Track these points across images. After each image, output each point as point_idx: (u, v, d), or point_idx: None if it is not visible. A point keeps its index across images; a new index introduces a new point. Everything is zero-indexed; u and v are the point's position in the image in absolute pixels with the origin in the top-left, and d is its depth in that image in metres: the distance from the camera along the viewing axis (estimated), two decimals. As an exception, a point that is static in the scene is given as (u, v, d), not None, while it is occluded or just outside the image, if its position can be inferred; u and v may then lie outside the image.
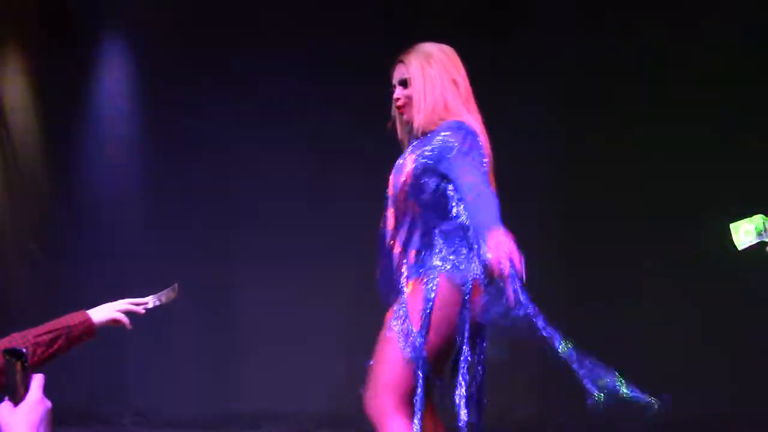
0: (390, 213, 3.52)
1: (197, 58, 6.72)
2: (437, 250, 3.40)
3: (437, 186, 3.42)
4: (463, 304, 3.35)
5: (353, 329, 6.25)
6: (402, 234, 3.46)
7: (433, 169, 3.41)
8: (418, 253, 3.42)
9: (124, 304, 3.20)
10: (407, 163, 3.46)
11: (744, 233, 3.02)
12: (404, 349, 3.32)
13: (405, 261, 3.44)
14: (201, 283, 6.31)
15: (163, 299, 3.22)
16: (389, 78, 3.61)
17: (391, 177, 3.55)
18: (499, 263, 3.02)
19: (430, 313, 3.33)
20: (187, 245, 6.68)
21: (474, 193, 3.27)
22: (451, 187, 3.40)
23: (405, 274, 3.43)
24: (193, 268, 6.45)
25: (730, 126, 6.01)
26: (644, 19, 6.16)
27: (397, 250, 3.48)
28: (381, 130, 3.69)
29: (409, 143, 3.58)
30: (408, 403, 3.34)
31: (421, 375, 3.32)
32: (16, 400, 1.98)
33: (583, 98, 6.24)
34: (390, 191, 3.54)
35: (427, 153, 3.42)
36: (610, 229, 6.16)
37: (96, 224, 6.90)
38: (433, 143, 3.42)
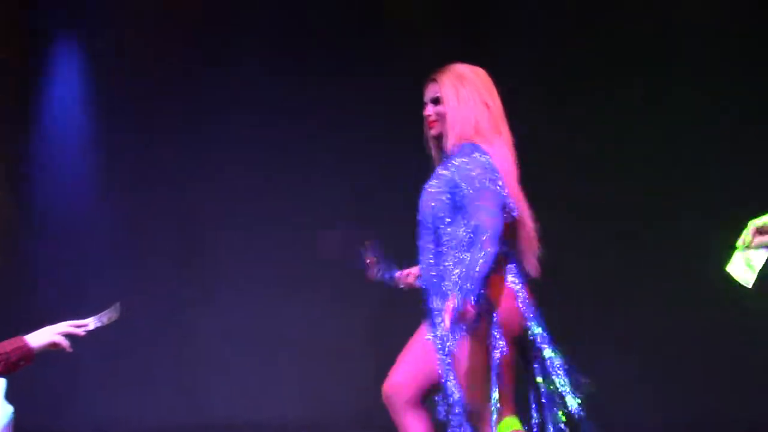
0: (423, 237, 3.63)
1: (151, 61, 6.69)
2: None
3: (457, 211, 3.52)
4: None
5: (323, 336, 6.16)
6: (434, 255, 3.57)
7: (451, 198, 3.53)
8: (450, 270, 3.52)
9: (65, 326, 3.19)
10: (433, 185, 3.59)
11: (744, 266, 2.93)
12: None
13: (439, 281, 3.55)
14: (156, 291, 6.33)
15: (105, 320, 3.23)
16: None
17: (420, 200, 3.65)
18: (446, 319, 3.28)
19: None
20: (144, 252, 6.65)
21: (480, 239, 3.36)
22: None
23: (444, 293, 3.51)
24: (150, 275, 6.46)
25: (718, 128, 6.05)
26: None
27: (430, 270, 3.59)
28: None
29: (440, 161, 3.69)
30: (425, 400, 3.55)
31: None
32: None
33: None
34: (420, 215, 3.64)
35: (448, 176, 3.53)
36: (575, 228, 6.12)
37: (48, 230, 6.82)
38: (450, 169, 3.52)
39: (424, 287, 3.65)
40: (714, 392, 5.93)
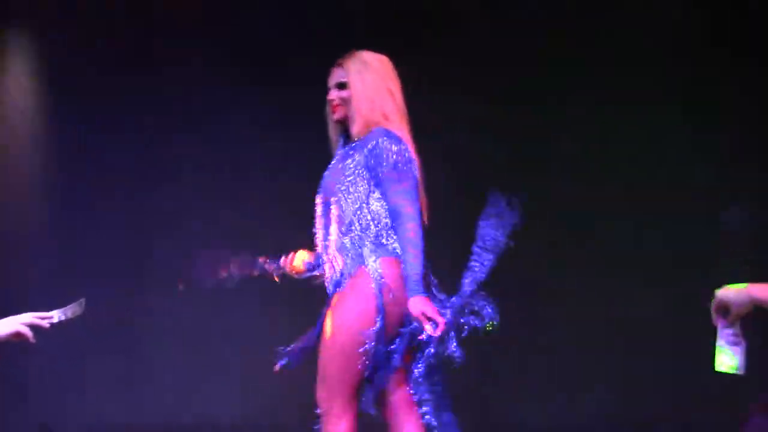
0: (319, 214, 3.68)
1: (105, 54, 6.62)
2: (368, 247, 3.52)
3: (368, 190, 3.56)
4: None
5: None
6: (334, 233, 3.60)
7: (365, 175, 3.57)
8: (348, 251, 3.55)
9: (29, 317, 3.17)
10: (342, 167, 3.61)
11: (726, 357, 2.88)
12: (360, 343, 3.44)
13: (337, 261, 3.57)
14: (108, 292, 6.21)
15: (69, 314, 3.22)
16: (325, 81, 3.71)
17: (323, 179, 3.69)
18: (427, 327, 3.34)
19: (381, 300, 3.46)
20: (94, 251, 6.56)
21: (406, 228, 3.45)
22: (378, 194, 3.56)
23: (338, 272, 3.56)
24: (101, 275, 6.37)
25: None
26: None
27: (328, 249, 3.62)
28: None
29: (340, 145, 3.73)
30: (357, 398, 3.52)
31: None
32: None
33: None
34: (321, 193, 3.68)
35: (360, 158, 3.57)
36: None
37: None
38: (368, 148, 3.55)
39: (321, 266, 3.67)
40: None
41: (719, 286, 2.59)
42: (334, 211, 3.61)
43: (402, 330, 3.48)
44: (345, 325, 3.47)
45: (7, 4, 6.71)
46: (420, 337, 3.42)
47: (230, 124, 6.51)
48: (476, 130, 6.19)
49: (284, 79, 6.33)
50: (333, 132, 3.77)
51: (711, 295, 2.57)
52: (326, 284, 3.64)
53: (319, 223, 3.69)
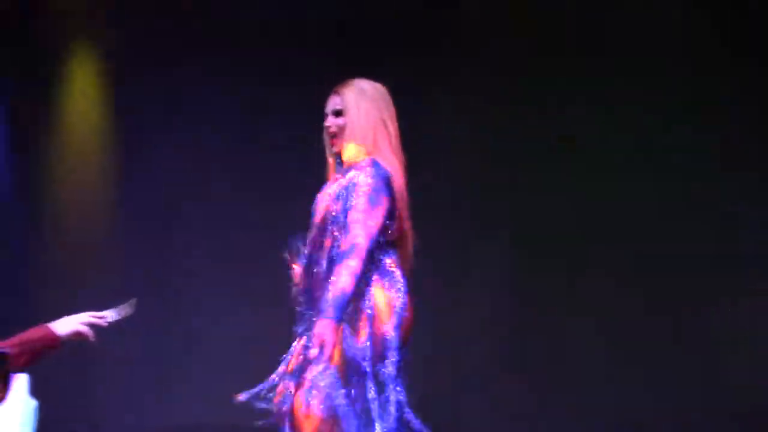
0: (311, 238, 3.66)
1: (164, 71, 6.73)
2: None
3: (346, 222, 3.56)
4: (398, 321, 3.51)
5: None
6: (318, 261, 3.59)
7: (344, 205, 3.56)
8: (327, 281, 3.50)
9: (87, 316, 3.22)
10: (330, 193, 3.63)
11: None
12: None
13: (314, 289, 3.56)
14: (160, 296, 6.33)
15: (122, 314, 3.28)
16: (322, 107, 3.73)
17: (316, 203, 3.71)
18: (313, 350, 3.31)
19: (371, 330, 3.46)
20: (149, 258, 6.68)
21: (350, 260, 3.41)
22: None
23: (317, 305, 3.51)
24: (153, 281, 6.48)
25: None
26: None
27: (315, 277, 3.59)
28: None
29: (337, 169, 3.74)
30: None
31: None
32: None
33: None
34: (315, 217, 3.68)
35: (342, 188, 3.58)
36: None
37: (58, 235, 6.98)
38: (348, 178, 3.58)
39: (302, 293, 3.65)
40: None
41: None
42: (321, 236, 3.60)
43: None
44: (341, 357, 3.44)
45: (72, 16, 6.95)
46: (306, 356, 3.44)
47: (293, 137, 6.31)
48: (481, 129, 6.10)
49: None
50: (330, 155, 3.78)
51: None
52: (301, 300, 3.64)
53: (309, 244, 3.66)
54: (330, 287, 3.39)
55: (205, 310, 6.59)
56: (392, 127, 3.70)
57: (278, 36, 6.50)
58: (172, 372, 6.63)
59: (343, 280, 3.39)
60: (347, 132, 3.66)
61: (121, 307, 3.29)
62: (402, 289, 3.55)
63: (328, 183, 3.73)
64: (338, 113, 3.70)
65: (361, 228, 3.46)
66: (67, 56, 7.05)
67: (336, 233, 3.54)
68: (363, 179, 3.54)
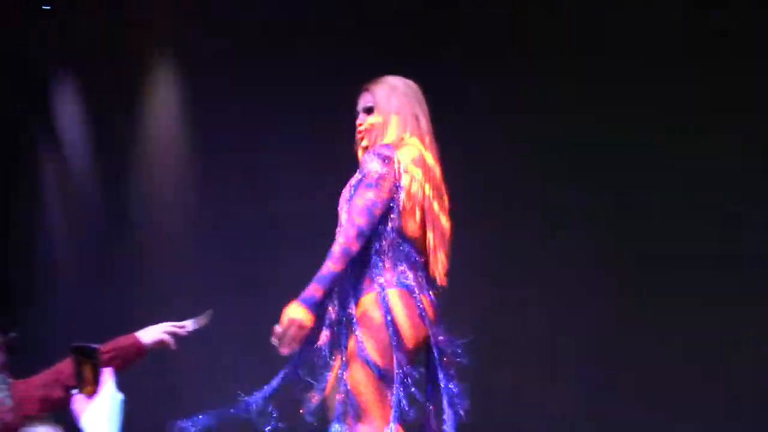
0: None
1: (244, 78, 6.81)
2: (376, 269, 3.47)
3: None
4: (420, 314, 3.44)
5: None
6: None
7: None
8: (357, 272, 3.48)
9: (169, 326, 3.41)
10: (348, 187, 3.59)
11: None
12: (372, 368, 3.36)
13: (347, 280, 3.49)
14: (243, 302, 6.37)
15: (199, 323, 3.43)
16: (354, 105, 3.71)
17: (341, 196, 3.65)
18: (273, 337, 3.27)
19: (393, 330, 3.38)
20: (233, 263, 6.74)
21: (337, 242, 3.39)
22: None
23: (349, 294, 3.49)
24: (234, 286, 6.56)
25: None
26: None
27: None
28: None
29: None
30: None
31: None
32: (88, 393, 2.18)
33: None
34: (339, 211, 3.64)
35: (351, 186, 3.56)
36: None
37: (145, 240, 7.14)
38: (359, 169, 3.56)
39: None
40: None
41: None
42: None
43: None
44: (363, 358, 3.38)
45: (153, 31, 7.17)
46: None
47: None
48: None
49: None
50: (360, 154, 3.73)
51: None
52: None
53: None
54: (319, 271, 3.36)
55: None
56: (424, 122, 3.66)
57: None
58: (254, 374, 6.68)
59: (326, 264, 3.36)
60: (378, 129, 3.63)
61: (199, 317, 3.42)
62: (414, 287, 3.46)
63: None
64: (369, 110, 3.68)
65: (354, 210, 3.43)
66: (151, 66, 7.24)
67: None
68: (365, 163, 3.51)
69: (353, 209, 3.43)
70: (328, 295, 3.39)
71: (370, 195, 3.43)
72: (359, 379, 3.36)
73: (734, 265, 5.17)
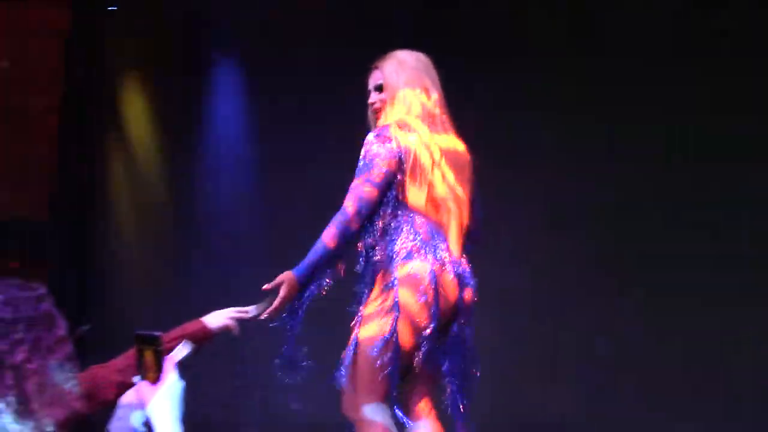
0: None
1: (307, 77, 6.81)
2: (387, 245, 3.48)
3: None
4: (435, 292, 3.41)
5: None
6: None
7: None
8: (370, 249, 3.52)
9: (234, 311, 3.39)
10: None
11: None
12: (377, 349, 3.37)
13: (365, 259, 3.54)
14: None
15: (260, 310, 3.41)
16: (365, 84, 3.70)
17: None
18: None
19: (397, 309, 3.38)
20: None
21: (333, 221, 3.41)
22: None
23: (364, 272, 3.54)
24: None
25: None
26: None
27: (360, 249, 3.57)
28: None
29: None
30: (386, 402, 3.42)
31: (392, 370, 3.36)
32: (152, 379, 2.16)
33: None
34: None
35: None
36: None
37: (211, 238, 7.19)
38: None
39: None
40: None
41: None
42: None
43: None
44: (367, 337, 3.42)
45: (216, 33, 7.27)
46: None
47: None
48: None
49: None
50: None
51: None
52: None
53: None
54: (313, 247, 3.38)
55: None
56: (436, 93, 3.63)
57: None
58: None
59: (325, 232, 3.41)
60: (390, 104, 3.60)
61: (261, 304, 3.42)
62: (428, 257, 3.44)
63: None
64: (380, 88, 3.65)
65: (351, 191, 3.45)
66: (215, 66, 7.30)
67: None
68: (365, 147, 3.52)
69: (351, 190, 3.45)
70: (319, 270, 3.41)
71: (364, 176, 3.45)
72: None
73: (734, 266, 5.16)
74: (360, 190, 3.43)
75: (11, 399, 1.75)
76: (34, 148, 7.48)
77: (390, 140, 3.46)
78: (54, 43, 7.70)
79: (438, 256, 3.45)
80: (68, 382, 1.85)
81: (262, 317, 3.36)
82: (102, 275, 7.58)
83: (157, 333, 2.31)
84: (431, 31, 5.96)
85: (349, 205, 3.42)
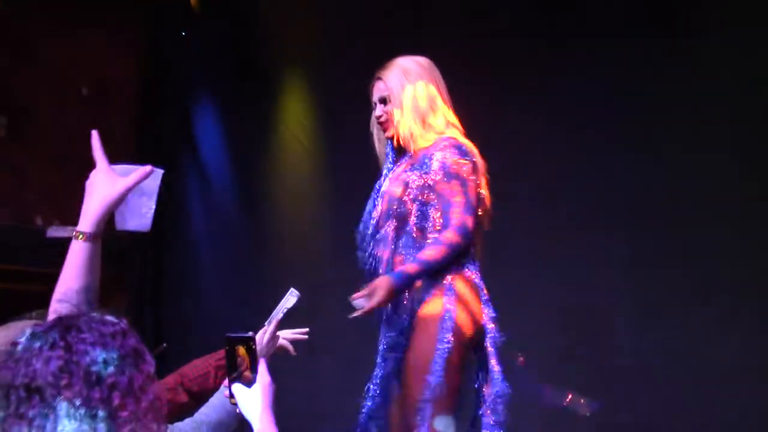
0: (390, 225, 3.54)
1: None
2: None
3: (431, 205, 3.48)
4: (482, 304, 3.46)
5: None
6: (395, 243, 3.51)
7: (431, 187, 3.47)
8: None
9: (290, 333, 3.52)
10: (406, 177, 3.52)
11: None
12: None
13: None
14: None
15: (288, 306, 3.43)
16: (368, 95, 3.66)
17: (386, 189, 3.59)
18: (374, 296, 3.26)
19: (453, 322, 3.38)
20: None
21: (444, 235, 3.37)
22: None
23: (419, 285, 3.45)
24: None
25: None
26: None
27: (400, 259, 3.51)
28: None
29: (389, 157, 3.68)
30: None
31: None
32: (246, 380, 2.28)
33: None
34: (385, 204, 3.57)
35: (424, 170, 3.48)
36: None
37: (283, 252, 7.30)
38: (434, 160, 3.48)
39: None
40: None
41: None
42: (402, 225, 3.50)
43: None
44: (430, 349, 3.36)
45: (284, 48, 7.40)
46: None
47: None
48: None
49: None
50: (381, 146, 3.70)
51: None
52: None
53: (385, 238, 3.54)
54: (420, 254, 3.34)
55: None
56: (443, 97, 3.59)
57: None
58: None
59: (434, 250, 3.33)
60: (399, 116, 3.53)
61: (282, 301, 3.43)
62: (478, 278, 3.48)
63: (385, 172, 3.66)
64: (385, 100, 3.59)
65: (464, 208, 3.39)
66: (283, 82, 7.47)
67: (413, 218, 3.47)
68: (450, 157, 3.44)
69: (459, 215, 3.39)
70: (418, 278, 3.38)
71: (469, 190, 3.43)
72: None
73: (734, 267, 5.07)
74: (466, 218, 3.39)
75: None
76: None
77: (474, 157, 3.49)
78: (131, 65, 8.00)
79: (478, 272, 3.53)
80: (160, 423, 1.64)
81: (354, 315, 3.31)
82: (177, 287, 7.79)
83: (249, 334, 2.35)
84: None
85: (457, 232, 3.37)
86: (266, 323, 3.34)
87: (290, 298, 3.37)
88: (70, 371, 1.56)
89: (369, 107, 6.38)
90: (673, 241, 5.15)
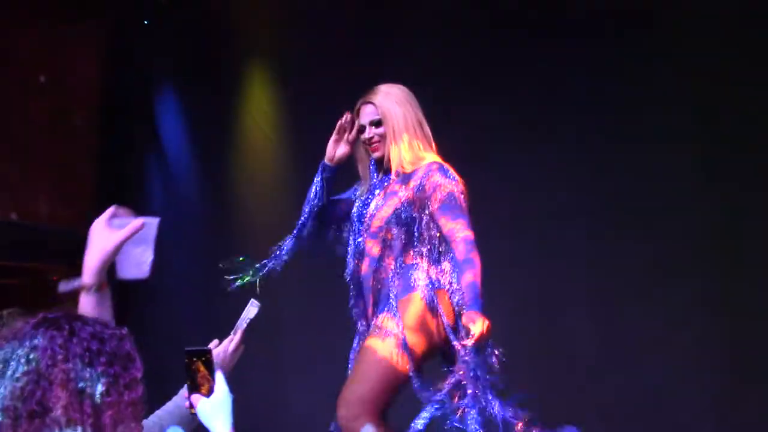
0: (372, 242, 3.76)
1: (337, 84, 6.48)
2: (419, 269, 3.66)
3: (421, 219, 3.68)
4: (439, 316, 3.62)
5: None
6: (387, 259, 3.71)
7: (422, 205, 3.68)
8: (402, 273, 3.68)
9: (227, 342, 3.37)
10: (394, 198, 3.73)
11: None
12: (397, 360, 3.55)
13: (392, 282, 3.68)
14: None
15: (249, 316, 3.36)
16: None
17: (371, 208, 3.79)
18: (477, 341, 3.38)
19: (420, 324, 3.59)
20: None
21: (467, 253, 3.57)
22: (429, 221, 3.69)
23: (394, 293, 3.66)
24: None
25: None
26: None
27: (384, 274, 3.72)
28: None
29: (375, 178, 3.87)
30: (383, 414, 3.57)
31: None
32: (205, 391, 2.37)
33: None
34: (371, 222, 3.77)
35: (412, 189, 3.69)
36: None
37: (245, 243, 7.06)
38: (424, 182, 3.69)
39: (355, 294, 3.80)
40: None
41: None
42: (388, 238, 3.71)
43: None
44: (397, 343, 3.56)
45: (248, 38, 7.41)
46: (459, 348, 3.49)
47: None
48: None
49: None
50: (365, 167, 3.87)
51: None
52: (360, 303, 3.80)
53: (370, 249, 3.76)
54: (469, 283, 3.52)
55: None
56: (426, 127, 3.83)
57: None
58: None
59: (475, 274, 3.53)
60: (391, 139, 3.75)
61: (246, 310, 3.39)
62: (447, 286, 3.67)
63: (367, 190, 3.85)
64: (377, 123, 3.78)
65: (467, 226, 3.62)
66: (246, 72, 7.48)
67: (399, 232, 3.69)
68: (445, 180, 3.67)
69: (467, 226, 3.63)
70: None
71: (465, 209, 3.68)
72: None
73: (735, 267, 5.12)
74: (472, 233, 3.62)
75: (87, 428, 1.74)
76: (75, 159, 7.55)
77: (458, 177, 3.73)
78: (92, 55, 7.99)
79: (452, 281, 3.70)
80: (137, 422, 1.82)
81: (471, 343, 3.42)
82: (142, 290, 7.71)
83: (205, 348, 2.48)
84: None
85: (473, 247, 3.58)
86: (231, 333, 3.33)
87: (251, 309, 3.37)
88: (67, 348, 1.78)
89: (332, 97, 6.43)
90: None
